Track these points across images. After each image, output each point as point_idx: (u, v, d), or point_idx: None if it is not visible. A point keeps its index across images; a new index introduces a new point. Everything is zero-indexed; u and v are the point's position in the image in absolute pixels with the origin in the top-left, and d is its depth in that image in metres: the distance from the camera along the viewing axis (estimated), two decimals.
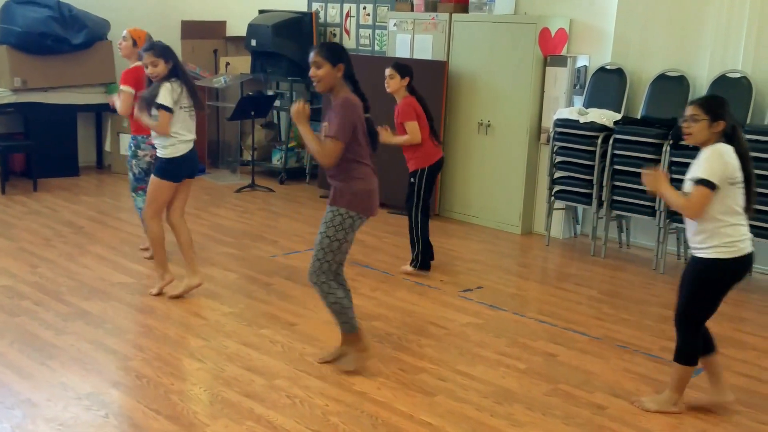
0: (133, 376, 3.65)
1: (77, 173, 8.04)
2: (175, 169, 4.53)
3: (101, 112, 8.31)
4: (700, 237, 3.31)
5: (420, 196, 5.22)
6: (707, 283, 3.34)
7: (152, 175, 4.58)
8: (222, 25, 8.94)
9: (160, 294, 4.67)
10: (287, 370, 3.77)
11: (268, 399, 3.46)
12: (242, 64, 8.40)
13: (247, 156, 8.41)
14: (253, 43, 7.98)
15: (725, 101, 3.37)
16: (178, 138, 4.48)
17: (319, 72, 3.57)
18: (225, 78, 8.16)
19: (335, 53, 3.60)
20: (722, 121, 3.29)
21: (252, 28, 8.00)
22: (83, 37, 7.74)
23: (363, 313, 4.58)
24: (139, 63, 5.08)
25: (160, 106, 4.38)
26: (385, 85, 5.19)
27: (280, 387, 3.59)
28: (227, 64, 8.46)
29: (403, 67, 5.19)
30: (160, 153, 4.54)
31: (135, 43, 5.19)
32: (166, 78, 4.43)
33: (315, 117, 4.83)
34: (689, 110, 3.34)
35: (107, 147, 8.40)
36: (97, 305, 4.51)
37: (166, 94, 4.39)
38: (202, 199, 7.16)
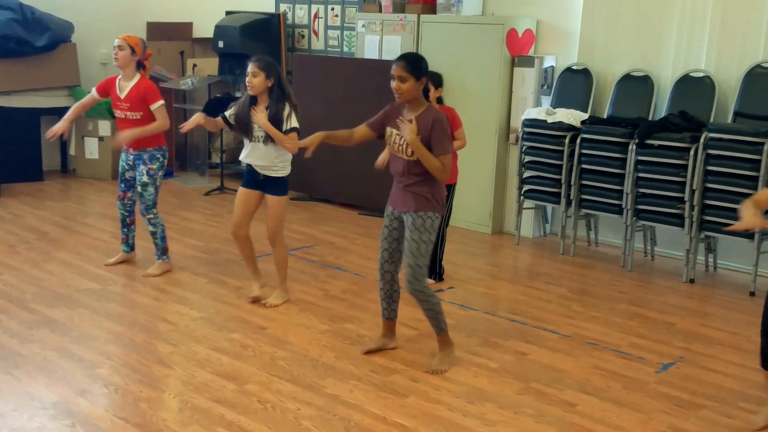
0: (101, 384, 3.59)
1: (41, 178, 7.92)
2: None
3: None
4: None
5: (450, 212, 5.23)
6: None
7: (276, 197, 4.51)
8: (188, 26, 8.86)
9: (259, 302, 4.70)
10: (258, 374, 3.74)
11: (239, 404, 3.43)
12: (209, 65, 8.33)
13: (216, 158, 8.34)
14: (221, 44, 7.92)
15: None
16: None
17: (404, 86, 3.65)
18: (192, 80, 8.08)
19: (420, 68, 3.66)
20: None
21: (219, 29, 7.94)
22: (46, 39, 7.62)
23: (334, 315, 4.57)
24: (139, 75, 4.96)
25: (294, 129, 4.40)
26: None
27: (251, 392, 3.56)
28: (194, 65, 8.39)
29: (433, 75, 4.80)
30: (281, 173, 4.51)
31: (133, 51, 4.93)
32: (279, 97, 4.39)
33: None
34: None
35: (72, 151, 8.28)
36: (62, 312, 4.44)
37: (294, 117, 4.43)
38: (170, 202, 7.09)
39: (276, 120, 4.36)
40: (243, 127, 4.47)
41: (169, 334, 4.19)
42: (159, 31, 8.64)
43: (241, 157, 4.58)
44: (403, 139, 3.68)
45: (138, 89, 4.94)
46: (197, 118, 4.47)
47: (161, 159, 5.07)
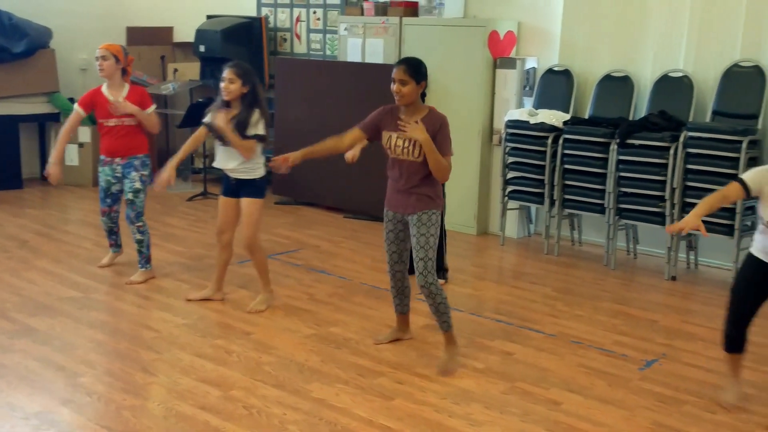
0: (83, 393, 3.56)
1: (21, 186, 7.84)
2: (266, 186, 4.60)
3: (44, 122, 8.12)
4: None
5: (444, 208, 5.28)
6: None
7: (248, 199, 4.45)
8: (169, 31, 8.82)
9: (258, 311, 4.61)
10: (243, 380, 3.72)
11: (224, 410, 3.42)
12: (191, 70, 8.29)
13: (199, 163, 8.30)
14: (202, 48, 7.89)
15: None
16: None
17: (404, 89, 3.73)
18: (173, 85, 8.05)
19: (420, 72, 3.76)
20: None
21: (200, 33, 7.91)
22: (24, 45, 7.55)
23: (320, 319, 4.56)
24: (126, 82, 4.97)
25: (258, 137, 4.38)
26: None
27: (237, 398, 3.54)
28: (175, 70, 8.35)
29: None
30: (252, 175, 4.46)
31: (118, 60, 4.91)
32: (251, 103, 4.36)
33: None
34: None
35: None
36: (44, 321, 4.40)
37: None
38: (152, 208, 7.02)
39: (242, 124, 4.34)
40: (215, 130, 4.45)
41: (153, 342, 4.16)
42: (139, 35, 8.59)
43: (215, 163, 4.57)
44: (407, 141, 3.73)
45: (134, 96, 4.96)
46: (169, 174, 4.46)
47: (150, 165, 5.08)
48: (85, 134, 7.92)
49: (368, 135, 3.95)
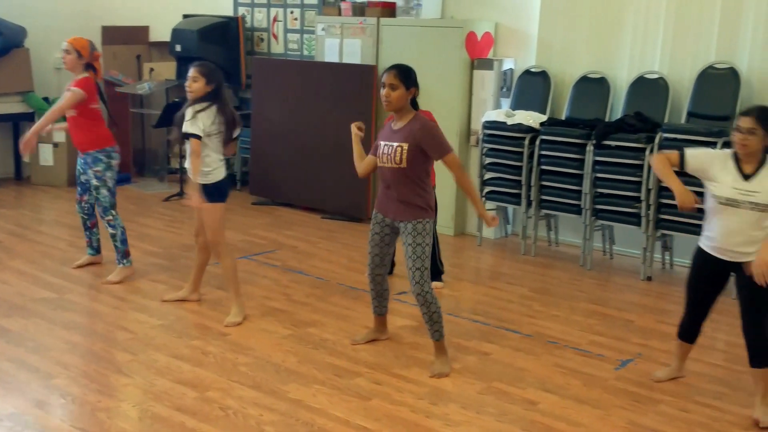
0: (58, 394, 3.52)
1: None
2: (225, 188, 4.47)
3: (18, 121, 8.02)
4: (761, 237, 3.35)
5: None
6: None
7: (207, 204, 4.32)
8: (145, 30, 8.75)
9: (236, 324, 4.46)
10: (220, 381, 3.70)
11: (201, 412, 3.39)
12: (167, 69, 8.23)
13: (175, 164, 8.24)
14: (178, 48, 7.83)
15: None
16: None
17: (394, 93, 3.72)
18: (149, 84, 7.99)
19: (410, 78, 3.77)
20: None
21: (176, 33, 7.85)
22: None
23: (297, 320, 4.54)
24: (86, 74, 4.96)
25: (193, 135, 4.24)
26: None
27: (213, 399, 3.52)
28: (151, 70, 8.28)
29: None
30: (205, 180, 4.31)
31: (80, 55, 4.91)
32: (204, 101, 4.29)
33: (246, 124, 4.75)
34: (747, 123, 3.31)
35: (26, 158, 8.10)
36: (17, 322, 4.34)
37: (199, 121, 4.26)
38: (128, 209, 6.97)
39: (180, 118, 4.30)
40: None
41: (128, 343, 4.13)
42: (114, 35, 8.51)
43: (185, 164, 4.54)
44: (389, 148, 3.72)
45: (74, 85, 4.94)
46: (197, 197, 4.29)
47: (105, 160, 5.00)
48: (59, 134, 7.82)
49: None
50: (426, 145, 3.70)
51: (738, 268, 3.43)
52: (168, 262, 5.59)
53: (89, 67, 4.98)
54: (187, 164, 4.41)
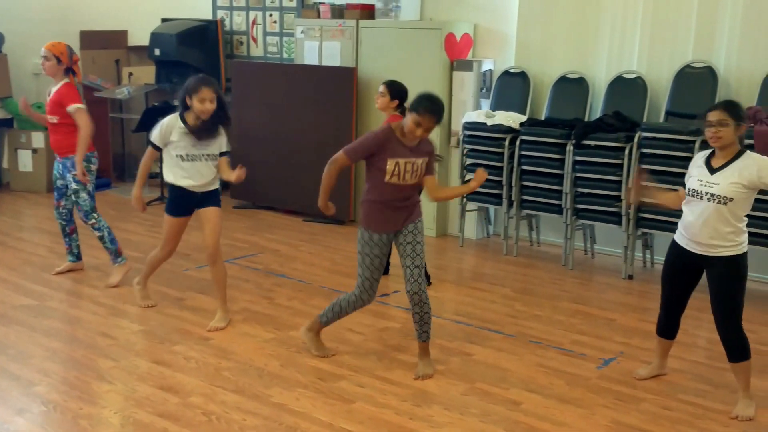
0: (39, 402, 3.49)
1: None
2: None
3: None
4: (732, 235, 3.43)
5: None
6: (745, 276, 3.49)
7: (215, 208, 4.37)
8: (123, 34, 8.70)
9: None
10: (202, 386, 3.68)
11: (183, 417, 3.37)
12: (146, 74, 8.19)
13: (156, 168, 8.19)
14: (157, 52, 7.79)
15: (742, 106, 3.51)
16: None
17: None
18: (128, 89, 7.94)
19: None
20: (744, 124, 3.42)
21: (155, 37, 7.82)
22: None
23: (279, 323, 4.53)
24: (66, 79, 4.93)
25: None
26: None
27: (195, 404, 3.50)
28: (130, 74, 8.24)
29: (398, 90, 4.89)
30: (216, 184, 4.42)
31: (59, 60, 4.88)
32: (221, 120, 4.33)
33: None
34: (716, 115, 3.40)
35: (5, 164, 8.03)
36: None
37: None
38: (108, 214, 6.91)
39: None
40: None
41: (109, 349, 4.10)
42: (93, 39, 8.46)
43: (185, 183, 4.39)
44: (414, 165, 3.73)
45: (57, 94, 4.92)
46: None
47: (85, 164, 4.96)
48: (38, 140, 7.77)
49: (358, 159, 3.82)
50: (429, 161, 3.83)
51: (709, 262, 3.47)
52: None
53: (69, 71, 4.95)
54: (193, 181, 4.32)
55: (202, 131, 4.23)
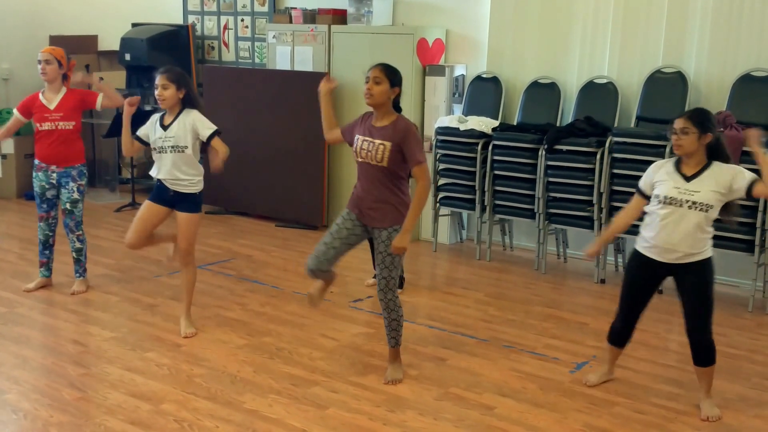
0: (9, 410, 3.43)
1: None
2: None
3: None
4: (705, 240, 3.46)
5: None
6: (713, 279, 3.53)
7: (189, 214, 4.32)
8: (93, 39, 8.61)
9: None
10: (174, 393, 3.65)
11: (155, 425, 3.34)
12: (116, 79, 8.09)
13: (126, 174, 8.12)
14: (127, 57, 7.72)
15: (711, 114, 3.53)
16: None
17: (376, 88, 3.70)
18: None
19: (396, 76, 3.79)
20: (710, 133, 3.44)
21: (125, 41, 7.74)
22: None
23: (252, 329, 4.50)
24: (63, 85, 4.86)
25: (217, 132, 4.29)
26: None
27: (168, 411, 3.46)
28: (100, 79, 8.11)
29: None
30: (194, 188, 4.34)
31: (61, 64, 4.81)
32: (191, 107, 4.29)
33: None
34: (679, 123, 3.44)
35: None
36: None
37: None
38: None
39: (194, 130, 4.26)
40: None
41: (80, 356, 4.04)
42: (62, 44, 8.23)
43: (157, 174, 4.41)
44: (371, 145, 3.67)
45: (72, 97, 4.87)
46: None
47: (86, 174, 5.00)
48: (8, 146, 7.64)
49: (345, 139, 3.92)
50: (406, 148, 3.64)
51: (683, 269, 3.50)
52: (120, 273, 5.49)
53: (64, 76, 4.90)
54: (165, 174, 4.29)
55: (163, 118, 4.31)
